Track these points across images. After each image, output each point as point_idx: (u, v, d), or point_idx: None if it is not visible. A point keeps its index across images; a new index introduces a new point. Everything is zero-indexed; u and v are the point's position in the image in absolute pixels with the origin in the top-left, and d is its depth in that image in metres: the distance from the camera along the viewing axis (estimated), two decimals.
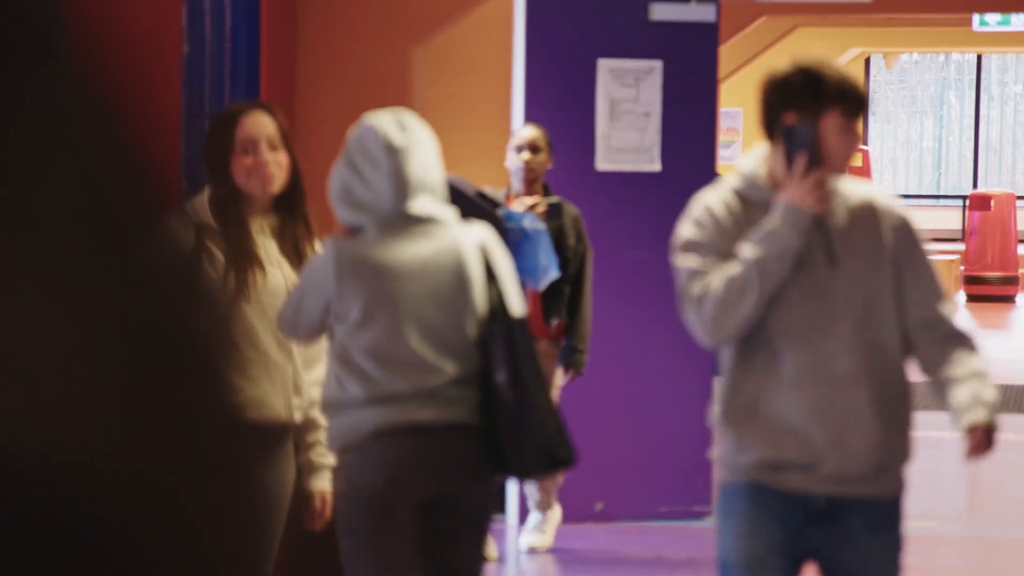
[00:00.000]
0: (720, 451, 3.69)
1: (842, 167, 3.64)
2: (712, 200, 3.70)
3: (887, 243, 3.64)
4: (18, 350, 0.70)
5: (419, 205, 3.91)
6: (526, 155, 6.65)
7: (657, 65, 7.69)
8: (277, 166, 4.06)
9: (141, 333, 0.75)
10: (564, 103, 7.52)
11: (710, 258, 3.63)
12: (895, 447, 3.69)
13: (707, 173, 7.87)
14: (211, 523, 0.79)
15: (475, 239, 3.97)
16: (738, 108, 18.43)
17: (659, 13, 7.68)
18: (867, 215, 3.66)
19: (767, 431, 3.60)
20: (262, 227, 4.09)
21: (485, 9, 8.22)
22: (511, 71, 7.63)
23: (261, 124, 4.07)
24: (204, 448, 0.77)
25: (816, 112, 3.59)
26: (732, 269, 3.59)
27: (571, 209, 6.72)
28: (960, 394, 3.70)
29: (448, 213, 3.97)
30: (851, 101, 3.62)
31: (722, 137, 17.89)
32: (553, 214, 6.63)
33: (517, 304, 3.96)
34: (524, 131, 6.74)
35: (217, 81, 5.59)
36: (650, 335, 7.47)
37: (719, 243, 3.63)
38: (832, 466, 3.60)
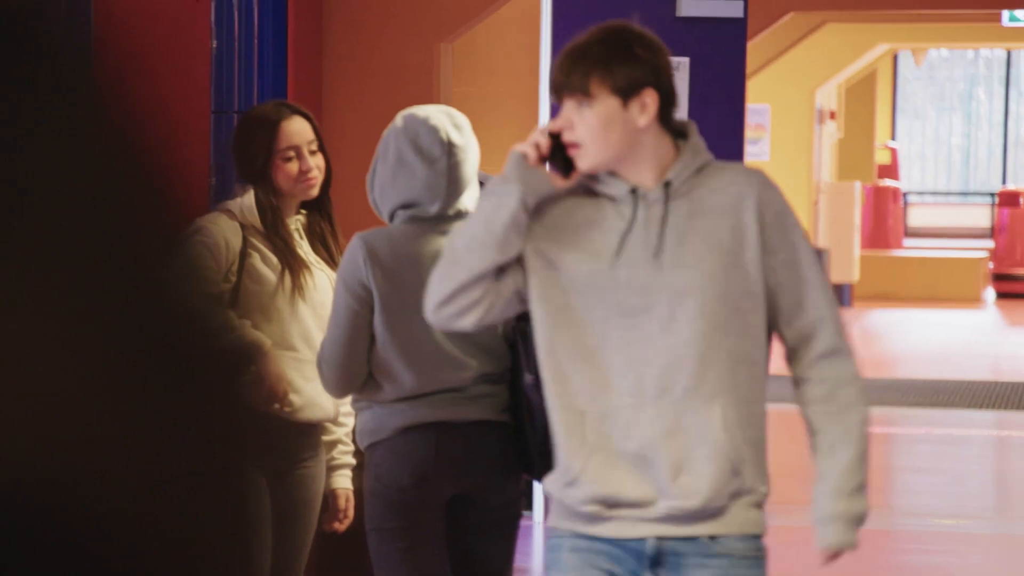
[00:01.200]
0: (551, 480, 3.17)
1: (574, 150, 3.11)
2: None
3: (753, 233, 3.10)
4: (33, 366, 0.70)
5: (465, 202, 3.92)
6: None
7: (684, 61, 7.68)
8: (319, 171, 4.16)
9: (159, 348, 0.75)
10: None
11: None
12: (749, 476, 3.11)
13: None
14: (229, 540, 0.78)
15: None
16: (766, 104, 18.40)
17: (687, 8, 7.67)
18: (732, 200, 3.13)
19: (599, 460, 3.08)
20: (297, 228, 4.18)
21: (512, 5, 8.22)
22: (538, 67, 7.62)
23: (302, 130, 4.17)
24: (222, 466, 0.77)
25: None
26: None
27: None
28: (826, 497, 3.13)
29: None
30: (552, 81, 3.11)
31: (749, 134, 17.87)
32: None
33: None
34: None
35: (245, 78, 5.60)
36: None
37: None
38: (668, 502, 3.07)
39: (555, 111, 8.26)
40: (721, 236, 3.10)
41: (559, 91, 3.11)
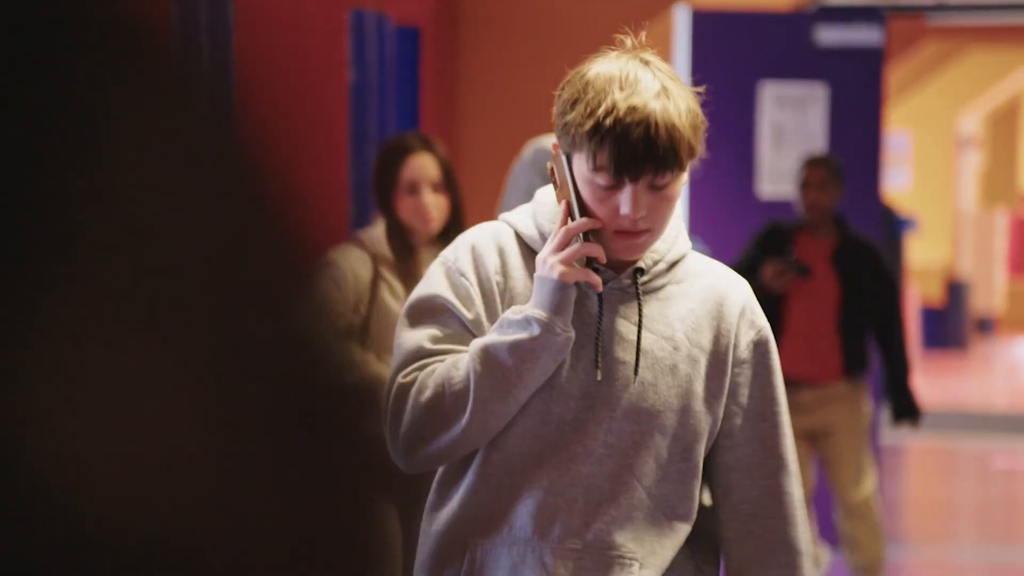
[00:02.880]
0: None
1: (617, 246, 2.37)
2: (483, 240, 2.42)
3: (727, 364, 2.42)
4: (153, 403, 0.70)
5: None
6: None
7: (822, 89, 7.62)
8: (437, 209, 4.16)
9: (282, 385, 0.75)
10: (726, 127, 7.48)
11: (452, 332, 2.38)
12: None
13: (873, 198, 7.77)
14: None
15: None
16: (906, 132, 18.18)
17: (825, 36, 7.61)
18: (708, 314, 2.44)
19: None
20: (428, 260, 4.20)
21: (646, 33, 8.20)
22: None
23: (425, 167, 4.18)
24: (349, 501, 0.76)
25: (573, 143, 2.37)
26: (460, 361, 2.34)
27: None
28: None
29: None
30: (629, 156, 2.31)
31: (889, 162, 17.66)
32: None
33: None
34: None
35: (382, 108, 5.65)
36: None
37: (475, 311, 2.38)
38: None
39: None
40: (681, 356, 2.41)
41: (640, 168, 2.31)
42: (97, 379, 0.67)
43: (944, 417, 12.50)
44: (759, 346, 2.43)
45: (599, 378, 2.36)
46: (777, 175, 7.56)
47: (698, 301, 2.43)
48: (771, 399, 2.43)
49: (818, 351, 5.95)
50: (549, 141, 3.99)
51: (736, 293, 2.45)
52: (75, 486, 0.66)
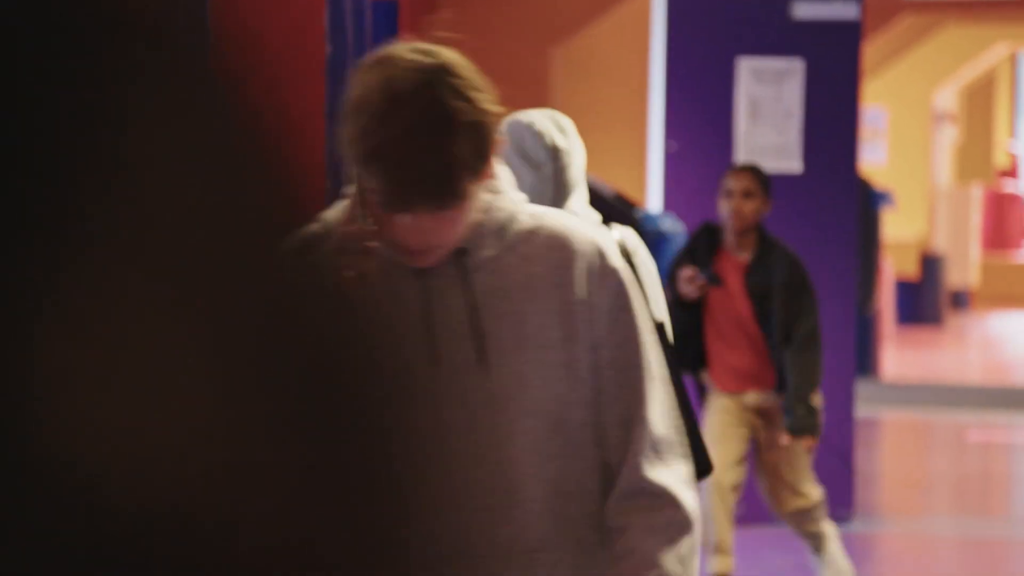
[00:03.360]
0: None
1: (405, 255, 2.18)
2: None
3: (582, 321, 2.20)
4: (168, 389, 0.69)
5: (572, 207, 3.92)
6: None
7: (799, 63, 7.63)
8: None
9: (286, 371, 0.74)
10: (703, 102, 7.48)
11: None
12: None
13: (849, 174, 7.78)
14: None
15: (617, 241, 3.96)
16: (882, 107, 18.20)
17: (801, 11, 7.62)
18: (553, 274, 2.21)
19: None
20: None
21: (623, 9, 8.20)
22: (646, 69, 7.60)
23: None
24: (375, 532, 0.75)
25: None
26: None
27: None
28: None
29: (592, 215, 3.98)
30: (397, 195, 2.12)
31: (865, 137, 17.70)
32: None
33: (659, 309, 3.94)
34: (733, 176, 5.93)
35: None
36: None
37: None
38: None
39: (669, 113, 8.13)
40: (529, 327, 2.20)
41: (412, 207, 2.12)
42: (111, 362, 0.67)
43: (919, 391, 12.55)
44: (610, 290, 2.19)
45: (436, 375, 2.13)
46: (754, 150, 7.56)
47: (537, 262, 2.20)
48: (633, 343, 2.19)
49: (737, 367, 5.83)
50: (525, 117, 4.00)
51: (577, 242, 2.21)
52: (94, 468, 0.66)
